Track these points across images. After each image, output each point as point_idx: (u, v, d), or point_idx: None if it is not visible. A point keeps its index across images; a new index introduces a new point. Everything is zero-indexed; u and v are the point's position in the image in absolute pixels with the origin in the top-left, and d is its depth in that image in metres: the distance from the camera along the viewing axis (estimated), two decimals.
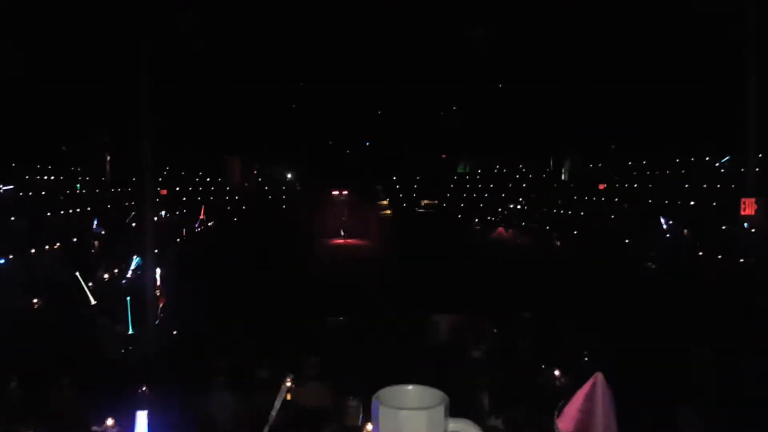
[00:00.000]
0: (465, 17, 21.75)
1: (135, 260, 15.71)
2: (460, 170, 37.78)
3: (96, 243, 19.97)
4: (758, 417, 5.73)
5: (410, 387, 1.44)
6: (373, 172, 33.79)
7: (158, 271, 12.40)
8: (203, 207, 28.09)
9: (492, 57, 24.17)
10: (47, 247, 17.19)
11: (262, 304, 12.83)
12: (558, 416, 2.34)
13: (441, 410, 1.35)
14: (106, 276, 16.10)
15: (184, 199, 30.06)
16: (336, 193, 34.42)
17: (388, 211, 32.78)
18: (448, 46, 24.31)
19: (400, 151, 33.95)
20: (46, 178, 21.87)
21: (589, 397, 2.26)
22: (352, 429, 6.33)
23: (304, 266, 20.60)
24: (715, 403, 6.18)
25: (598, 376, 2.31)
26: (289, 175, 37.80)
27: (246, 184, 35.92)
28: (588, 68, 21.83)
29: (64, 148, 22.73)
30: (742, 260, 15.78)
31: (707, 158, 21.79)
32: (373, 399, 1.38)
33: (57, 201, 20.85)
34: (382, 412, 1.34)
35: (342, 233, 32.57)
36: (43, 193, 20.73)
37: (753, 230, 15.27)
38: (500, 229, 29.23)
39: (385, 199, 33.78)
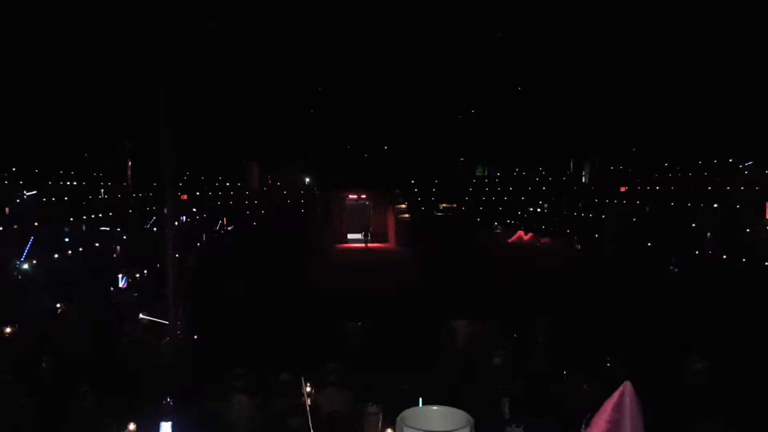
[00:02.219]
0: (483, 20, 21.67)
1: (121, 279, 14.78)
2: (478, 173, 37.65)
3: (117, 248, 20.18)
4: None
5: (435, 408, 1.40)
6: (391, 175, 33.78)
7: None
8: (224, 218, 28.46)
9: (511, 60, 24.04)
10: (70, 252, 17.42)
11: (281, 309, 12.85)
12: (585, 428, 2.29)
13: None
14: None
15: (204, 203, 30.29)
16: (354, 197, 34.47)
17: (407, 215, 32.73)
18: (467, 50, 24.23)
19: (418, 155, 33.91)
20: (68, 183, 22.16)
21: (617, 408, 2.19)
22: None
23: (323, 270, 20.65)
24: (744, 416, 6.04)
25: (627, 385, 2.25)
26: (307, 180, 37.94)
27: (264, 189, 36.11)
28: (609, 70, 21.62)
29: (86, 155, 23.01)
30: (767, 264, 15.56)
31: (730, 160, 21.49)
32: (398, 420, 1.35)
33: (80, 206, 21.10)
34: None
35: (359, 237, 32.57)
36: (66, 198, 21.00)
37: None
38: (520, 232, 29.09)
39: (404, 203, 33.74)
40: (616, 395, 2.21)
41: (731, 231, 17.78)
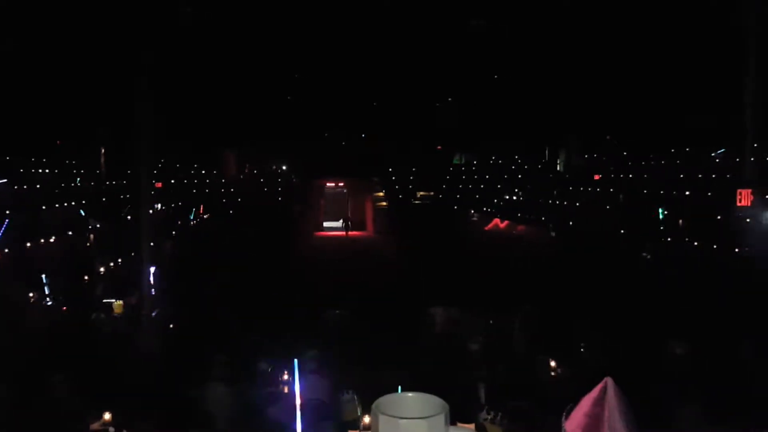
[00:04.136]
0: (460, 8, 21.65)
1: (45, 281, 12.94)
2: (455, 162, 37.75)
3: (91, 236, 19.95)
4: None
5: (410, 394, 1.43)
6: (368, 164, 33.72)
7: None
8: (201, 206, 28.20)
9: (488, 48, 24.07)
10: (42, 240, 17.18)
11: (259, 297, 12.82)
12: (566, 419, 2.32)
13: (441, 419, 1.34)
14: (102, 270, 16.08)
15: (177, 191, 29.92)
16: (332, 185, 34.40)
17: (384, 203, 32.77)
18: (443, 37, 24.20)
19: (395, 143, 33.88)
20: (41, 171, 21.78)
21: (598, 402, 2.21)
22: (350, 423, 6.34)
23: (301, 258, 20.62)
24: (718, 401, 6.17)
25: (608, 381, 2.27)
26: (284, 168, 37.72)
27: (241, 177, 35.83)
28: (584, 59, 21.76)
29: (59, 142, 22.61)
30: (737, 250, 15.87)
31: (703, 148, 21.80)
32: (373, 407, 1.37)
33: (53, 194, 20.78)
34: (383, 421, 1.33)
35: (337, 225, 32.54)
36: (38, 186, 20.65)
37: (748, 221, 15.31)
38: (496, 220, 29.32)
39: (381, 191, 33.75)
40: (596, 390, 2.23)
41: (703, 218, 18.10)
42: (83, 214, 20.24)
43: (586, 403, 2.23)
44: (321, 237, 31.16)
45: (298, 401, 3.57)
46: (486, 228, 29.05)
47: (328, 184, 34.44)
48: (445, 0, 21.32)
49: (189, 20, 18.31)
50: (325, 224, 33.53)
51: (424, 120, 32.93)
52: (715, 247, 16.70)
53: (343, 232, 31.45)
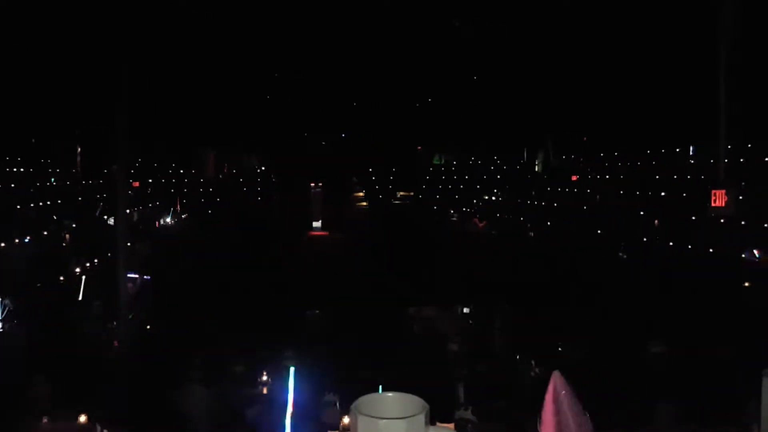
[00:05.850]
0: (441, 10, 21.71)
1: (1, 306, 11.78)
2: (435, 162, 37.83)
3: (66, 236, 19.68)
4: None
5: (390, 394, 1.41)
6: (349, 164, 33.65)
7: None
8: (178, 198, 27.89)
9: (467, 49, 24.15)
10: (17, 240, 16.89)
11: (238, 298, 12.74)
12: (540, 424, 2.32)
13: (421, 419, 1.33)
14: (77, 270, 15.85)
15: (151, 191, 29.59)
16: (311, 185, 34.31)
17: (365, 203, 32.75)
18: (423, 39, 24.24)
19: (376, 143, 33.86)
20: (15, 170, 21.41)
21: (554, 399, 2.23)
22: (330, 424, 6.32)
23: (280, 259, 20.51)
24: (688, 397, 6.26)
25: (555, 375, 2.29)
26: (263, 168, 37.50)
27: (220, 176, 35.58)
28: (561, 61, 21.91)
29: (33, 141, 22.23)
30: (711, 250, 16.12)
31: (678, 150, 22.06)
32: (352, 407, 1.36)
33: (27, 193, 20.45)
34: (361, 422, 1.31)
35: (317, 225, 32.46)
36: (13, 185, 20.30)
37: (722, 221, 15.54)
38: (475, 220, 29.45)
39: (361, 191, 33.73)
40: (550, 388, 2.24)
41: (677, 218, 18.34)
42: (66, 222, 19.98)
43: (548, 405, 2.25)
44: (299, 236, 31.04)
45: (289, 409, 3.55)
46: (465, 227, 29.18)
47: (309, 185, 34.38)
48: (426, 2, 21.34)
49: (168, 19, 18.12)
50: (302, 223, 33.46)
51: (404, 120, 32.93)
52: (689, 246, 16.95)
53: (326, 232, 31.44)
